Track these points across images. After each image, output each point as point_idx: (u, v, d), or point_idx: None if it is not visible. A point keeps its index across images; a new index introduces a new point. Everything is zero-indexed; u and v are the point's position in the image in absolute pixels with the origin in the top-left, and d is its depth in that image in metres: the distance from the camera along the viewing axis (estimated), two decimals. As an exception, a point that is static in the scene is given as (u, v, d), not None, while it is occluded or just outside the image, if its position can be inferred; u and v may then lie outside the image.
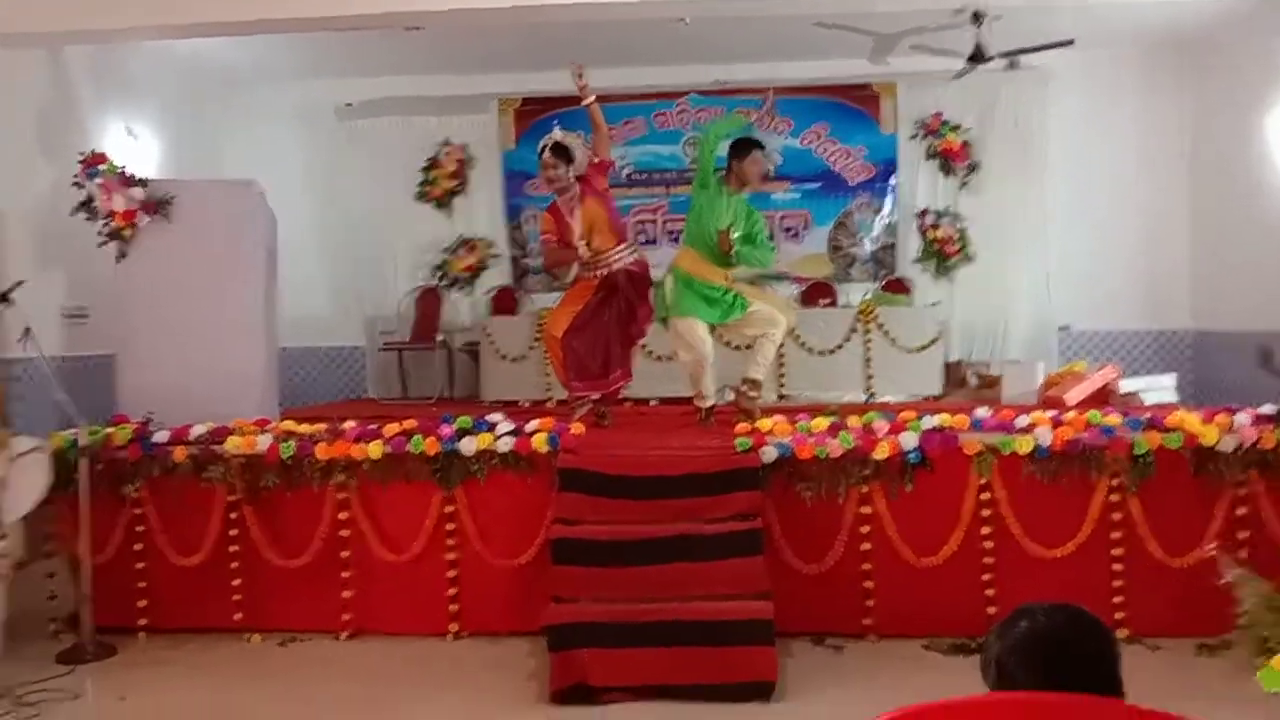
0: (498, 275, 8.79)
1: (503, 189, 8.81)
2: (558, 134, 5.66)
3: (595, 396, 5.52)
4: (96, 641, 4.57)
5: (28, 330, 4.64)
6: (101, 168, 5.73)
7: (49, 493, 4.68)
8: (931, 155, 8.46)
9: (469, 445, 4.68)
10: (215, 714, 3.93)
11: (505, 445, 4.69)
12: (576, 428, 4.89)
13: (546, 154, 5.49)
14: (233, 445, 4.79)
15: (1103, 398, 6.21)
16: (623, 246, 5.51)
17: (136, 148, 7.43)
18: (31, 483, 4.54)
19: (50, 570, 4.90)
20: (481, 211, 8.84)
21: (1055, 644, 1.58)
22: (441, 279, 8.71)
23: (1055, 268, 8.25)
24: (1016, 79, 8.27)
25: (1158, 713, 1.42)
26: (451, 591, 4.72)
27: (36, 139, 6.34)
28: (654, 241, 8.55)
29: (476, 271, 8.74)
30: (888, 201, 8.53)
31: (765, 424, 4.79)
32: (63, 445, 4.82)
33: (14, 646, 4.52)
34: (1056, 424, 4.58)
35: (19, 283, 4.72)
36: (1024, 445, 4.47)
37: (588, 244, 5.40)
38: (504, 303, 8.51)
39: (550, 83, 8.55)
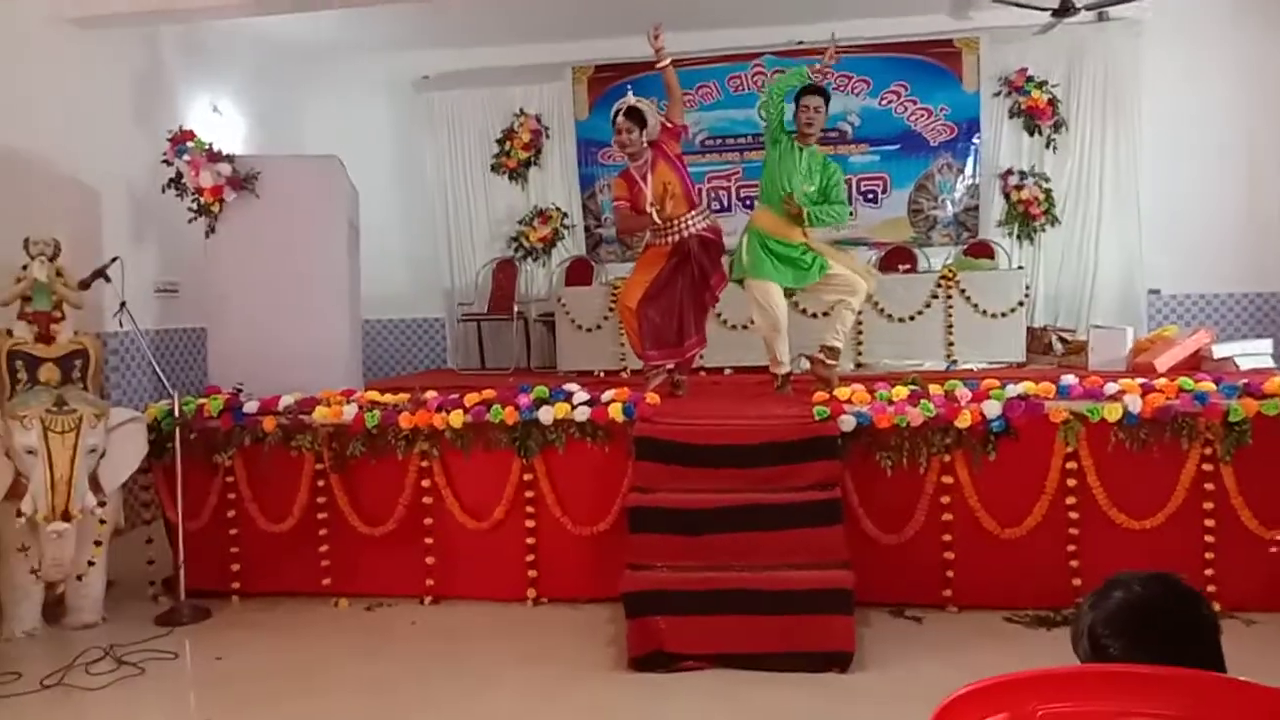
0: (572, 246, 8.83)
1: (576, 158, 8.82)
2: (631, 99, 5.60)
3: (670, 365, 5.51)
4: (192, 604, 4.77)
5: (123, 305, 4.81)
6: (189, 144, 5.87)
7: (145, 462, 4.89)
8: (1015, 113, 8.20)
9: (547, 414, 4.73)
10: (306, 673, 4.06)
11: (582, 415, 4.73)
12: (651, 398, 4.89)
13: (620, 119, 5.45)
14: (320, 415, 4.92)
15: (1194, 364, 6.00)
16: (695, 212, 5.45)
17: (222, 124, 7.63)
18: (129, 453, 4.74)
19: (148, 536, 5.12)
20: (556, 182, 8.87)
21: (1152, 615, 1.52)
22: (517, 250, 8.78)
23: (1146, 229, 7.95)
24: (1105, 31, 7.96)
25: (1248, 683, 1.37)
26: (530, 558, 4.79)
27: (128, 118, 6.55)
28: (728, 208, 8.48)
29: (551, 242, 8.78)
30: (970, 162, 8.30)
31: (843, 392, 4.74)
32: (158, 416, 5.01)
33: (116, 608, 4.76)
34: (1146, 391, 4.44)
35: (114, 259, 4.89)
36: (1112, 413, 4.34)
37: (660, 210, 5.35)
38: (578, 273, 8.54)
39: (624, 49, 8.53)
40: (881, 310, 6.92)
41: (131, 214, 6.40)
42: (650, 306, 5.44)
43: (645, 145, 5.43)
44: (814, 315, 6.63)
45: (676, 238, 5.43)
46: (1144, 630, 1.52)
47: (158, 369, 5.10)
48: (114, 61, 6.43)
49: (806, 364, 5.50)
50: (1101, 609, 1.57)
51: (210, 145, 5.93)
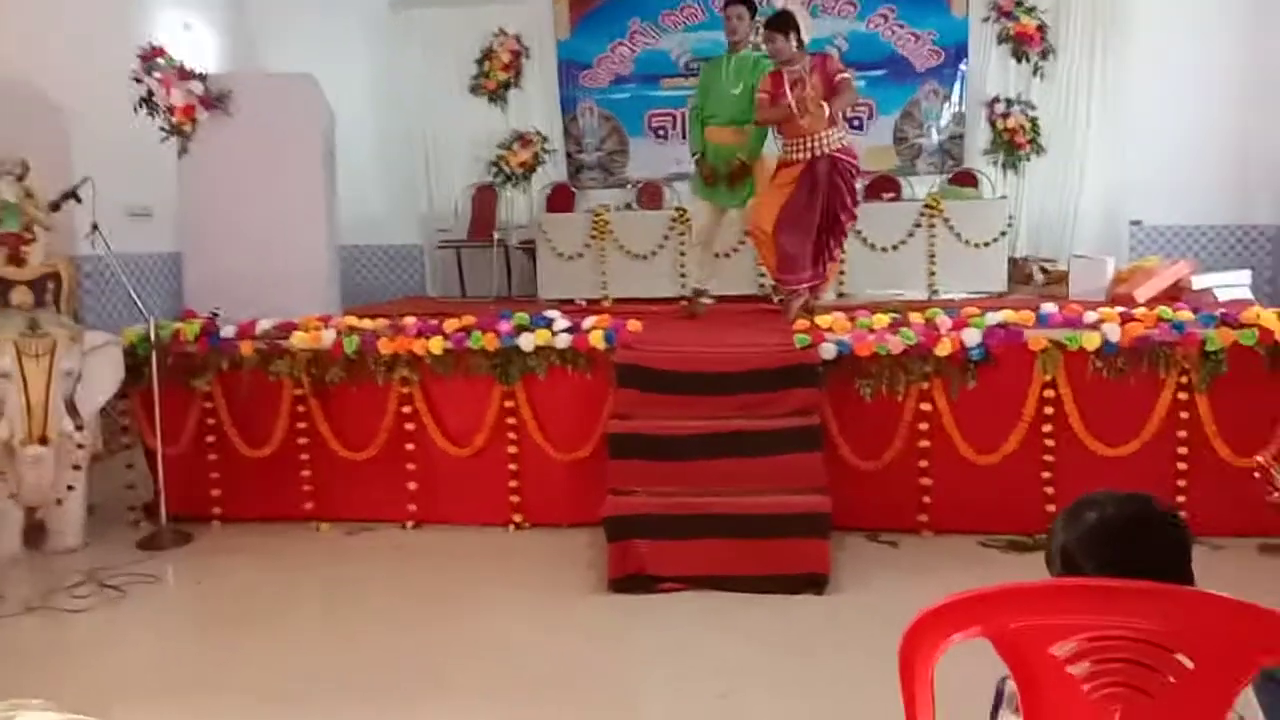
0: (553, 171, 8.70)
1: (558, 80, 8.65)
2: (779, 2, 5.65)
3: (806, 290, 5.49)
4: (173, 529, 4.77)
5: (95, 226, 4.71)
6: (160, 61, 5.71)
7: (122, 387, 4.85)
8: (1004, 39, 8.06)
9: (527, 341, 4.71)
10: (287, 597, 4.10)
11: (563, 341, 4.72)
12: (633, 324, 4.87)
13: (764, 29, 5.47)
14: (298, 340, 4.88)
15: (1174, 295, 6.01)
16: (832, 130, 5.33)
17: (193, 42, 7.41)
18: (105, 376, 4.70)
19: (127, 461, 5.10)
20: (536, 104, 8.70)
21: (1125, 535, 1.54)
22: (497, 175, 8.64)
23: (1131, 160, 7.90)
24: (1098, -43, 7.80)
25: (1220, 596, 1.39)
26: (513, 484, 4.81)
27: (96, 34, 6.34)
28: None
29: (532, 167, 8.62)
30: (956, 89, 8.21)
31: (824, 320, 4.74)
32: (134, 340, 4.95)
33: (97, 533, 4.77)
34: (1125, 320, 4.46)
35: (84, 179, 4.77)
36: (1091, 341, 4.37)
37: (801, 111, 5.20)
38: (560, 200, 8.44)
39: (608, -33, 8.33)
40: (865, 239, 6.89)
41: (101, 134, 6.21)
42: (784, 232, 5.38)
43: (797, 53, 5.29)
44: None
45: (809, 155, 5.31)
46: (1117, 550, 1.53)
47: (132, 292, 5.02)
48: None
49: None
50: (1074, 529, 1.58)
51: (181, 63, 5.77)
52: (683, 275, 6.89)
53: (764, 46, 5.49)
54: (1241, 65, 7.81)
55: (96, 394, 4.68)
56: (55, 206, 4.74)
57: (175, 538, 4.75)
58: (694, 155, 5.97)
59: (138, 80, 5.74)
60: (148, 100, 5.73)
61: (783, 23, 5.30)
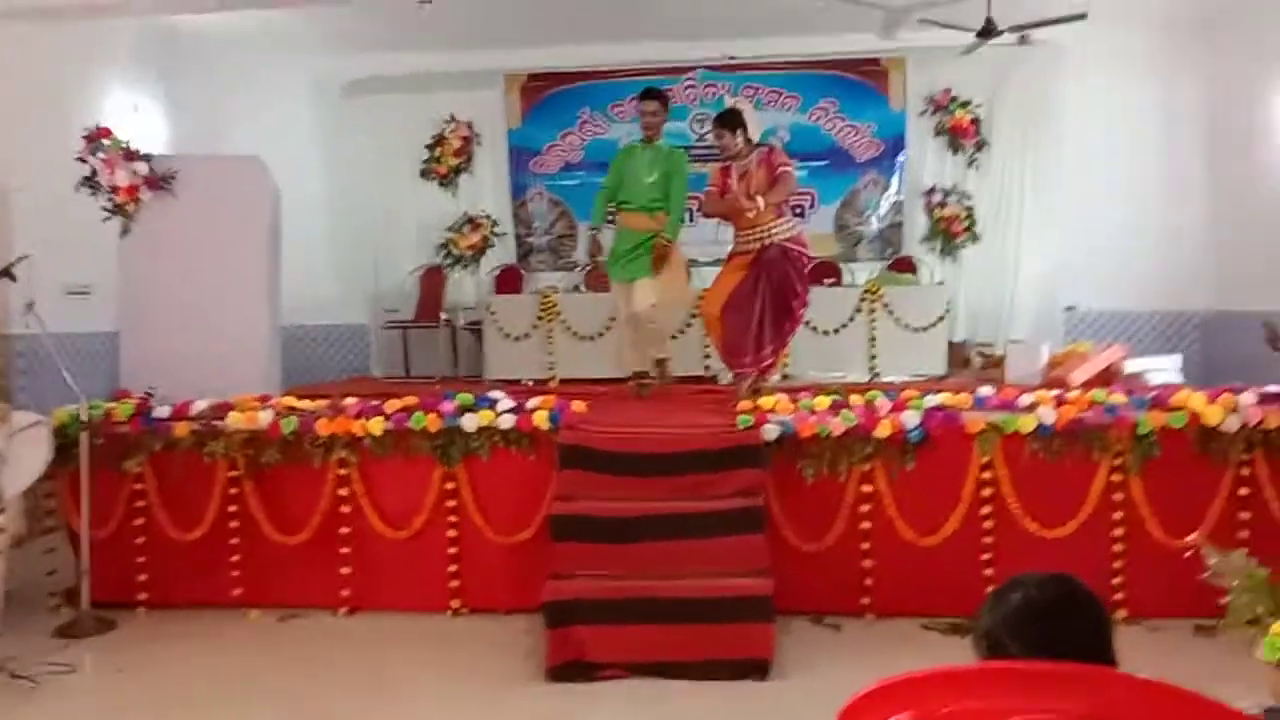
0: (502, 253, 8.77)
1: (508, 166, 8.77)
2: (728, 101, 5.76)
3: (753, 373, 5.50)
4: (95, 616, 4.59)
5: (30, 305, 4.64)
6: (105, 142, 5.72)
7: (50, 468, 4.70)
8: (940, 132, 8.39)
9: (471, 422, 4.67)
10: (213, 686, 3.93)
11: (507, 422, 4.68)
12: (578, 405, 4.86)
13: (713, 125, 5.64)
14: (234, 420, 4.79)
15: (1108, 378, 6.16)
16: (781, 222, 5.46)
17: (142, 123, 7.41)
18: (32, 458, 4.55)
19: (50, 546, 4.93)
20: (486, 189, 8.83)
21: (1048, 616, 1.56)
22: (446, 257, 8.68)
23: (1063, 248, 8.17)
24: (1028, 54, 8.17)
25: (1146, 680, 1.40)
26: (452, 568, 4.71)
27: (42, 115, 6.31)
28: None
29: (481, 250, 8.71)
30: (895, 179, 8.47)
31: (767, 401, 4.77)
32: (64, 420, 4.82)
33: (13, 621, 4.53)
34: (1060, 403, 4.55)
35: (21, 257, 4.72)
36: (1027, 424, 4.44)
37: (748, 205, 5.34)
38: (508, 281, 8.49)
39: (557, 58, 8.56)
40: (808, 323, 6.98)
41: (43, 213, 6.16)
42: (730, 316, 5.46)
43: (742, 147, 5.46)
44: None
45: (759, 246, 5.42)
46: (1041, 631, 1.55)
47: (65, 372, 4.91)
48: (28, 58, 6.19)
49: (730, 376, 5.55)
50: (1000, 610, 1.60)
51: (127, 144, 5.77)
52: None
53: (713, 143, 5.64)
54: (1165, 157, 8.18)
55: (22, 476, 4.52)
56: (-12, 284, 4.65)
57: (97, 625, 4.56)
58: (592, 228, 6.18)
59: (82, 160, 5.72)
60: (90, 180, 5.70)
61: (730, 120, 5.49)
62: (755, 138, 5.54)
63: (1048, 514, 4.41)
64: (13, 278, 4.70)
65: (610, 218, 6.15)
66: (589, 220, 6.29)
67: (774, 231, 5.41)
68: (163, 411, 4.89)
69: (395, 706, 3.70)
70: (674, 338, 7.05)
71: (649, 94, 5.97)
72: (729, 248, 5.74)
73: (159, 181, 5.75)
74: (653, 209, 5.86)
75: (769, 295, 5.42)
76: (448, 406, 4.74)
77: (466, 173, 8.80)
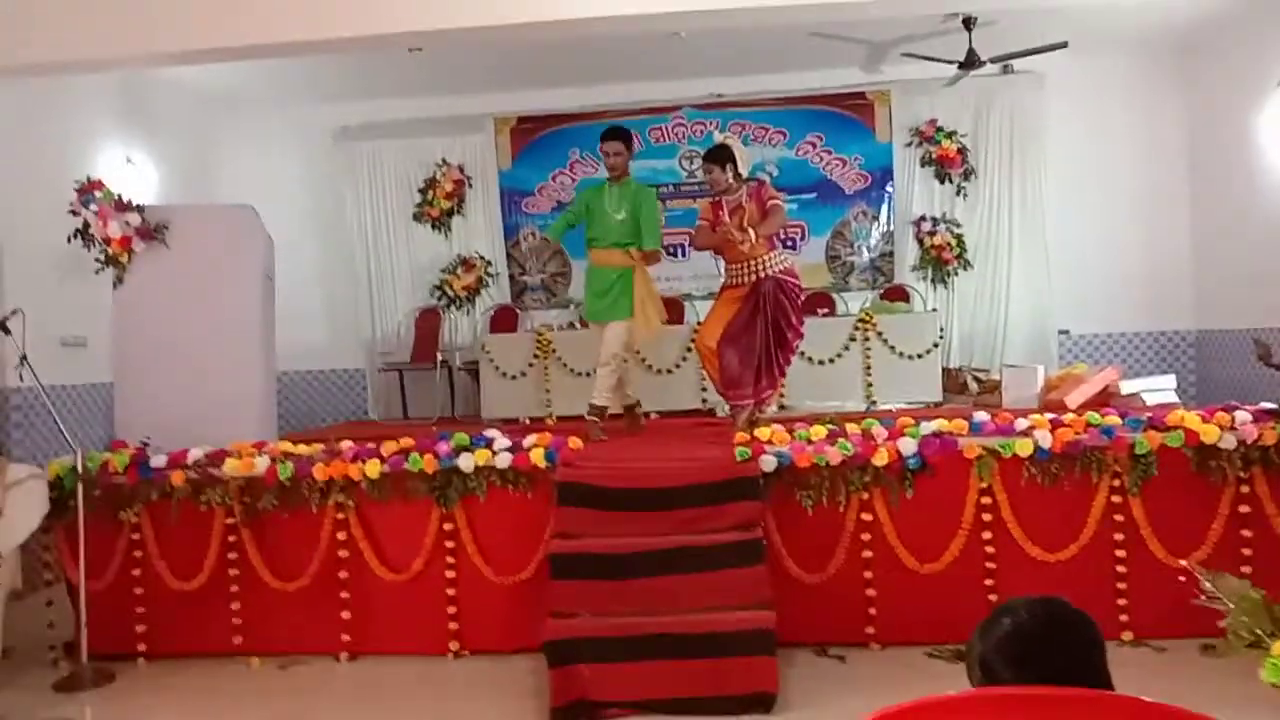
0: (496, 294, 8.81)
1: (500, 208, 8.83)
2: (717, 136, 5.85)
3: (750, 404, 5.51)
4: (95, 668, 4.54)
5: (24, 358, 4.63)
6: (97, 194, 5.74)
7: (47, 520, 4.69)
8: (927, 162, 8.46)
9: (467, 462, 4.66)
10: (214, 738, 3.90)
11: (503, 461, 4.67)
12: (574, 442, 4.86)
13: (703, 161, 5.68)
14: (230, 468, 4.78)
15: (1104, 400, 6.17)
16: (774, 254, 5.51)
17: (135, 175, 7.47)
18: (28, 511, 4.54)
19: (48, 599, 4.89)
20: (479, 231, 8.87)
21: (1038, 640, 1.56)
22: (440, 299, 8.72)
23: (1054, 272, 8.23)
24: (1010, 83, 8.28)
25: (1144, 701, 1.40)
26: (451, 610, 4.69)
27: (34, 167, 6.36)
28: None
29: (475, 290, 8.75)
30: (884, 210, 8.54)
31: (764, 433, 4.77)
32: (60, 472, 4.81)
33: (12, 676, 4.52)
34: (1056, 426, 4.55)
35: (14, 311, 4.72)
36: (1024, 448, 4.44)
37: (740, 238, 5.37)
38: (503, 321, 8.51)
39: (546, 101, 8.67)
40: (803, 353, 7.01)
41: (36, 266, 6.20)
42: (727, 349, 5.48)
43: (732, 183, 5.52)
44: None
45: (753, 279, 5.46)
46: (1031, 656, 1.55)
47: (59, 424, 4.90)
48: (21, 111, 6.26)
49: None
50: (991, 637, 1.60)
51: (119, 195, 5.80)
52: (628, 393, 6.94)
53: (703, 178, 5.68)
54: (1150, 178, 8.27)
55: (18, 530, 4.50)
56: (-17, 338, 4.66)
57: (96, 677, 4.51)
58: (544, 237, 6.37)
59: (74, 212, 5.75)
60: (83, 232, 5.72)
61: (719, 155, 5.54)
62: (744, 172, 5.60)
63: (1049, 537, 4.41)
64: (7, 331, 4.70)
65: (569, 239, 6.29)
66: (546, 232, 6.59)
67: (767, 264, 5.45)
68: (159, 461, 4.87)
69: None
70: (669, 372, 7.12)
71: (612, 134, 5.91)
72: (720, 280, 5.78)
73: (151, 232, 5.76)
74: (624, 245, 5.84)
75: (767, 328, 5.45)
76: (443, 447, 4.73)
77: (459, 215, 8.85)
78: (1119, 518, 4.41)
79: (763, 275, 5.44)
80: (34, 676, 4.57)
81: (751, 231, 5.36)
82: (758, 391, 5.52)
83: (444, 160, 8.78)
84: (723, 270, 5.76)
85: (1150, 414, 4.74)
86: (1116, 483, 4.43)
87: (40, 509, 4.61)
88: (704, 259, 7.71)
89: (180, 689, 4.46)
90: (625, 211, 5.80)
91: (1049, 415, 4.82)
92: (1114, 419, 4.62)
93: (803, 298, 5.75)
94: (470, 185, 8.84)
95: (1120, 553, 4.41)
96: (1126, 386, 6.39)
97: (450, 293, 8.72)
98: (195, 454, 4.89)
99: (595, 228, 5.96)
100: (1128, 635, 4.34)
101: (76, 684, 4.45)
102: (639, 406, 6.28)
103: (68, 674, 4.54)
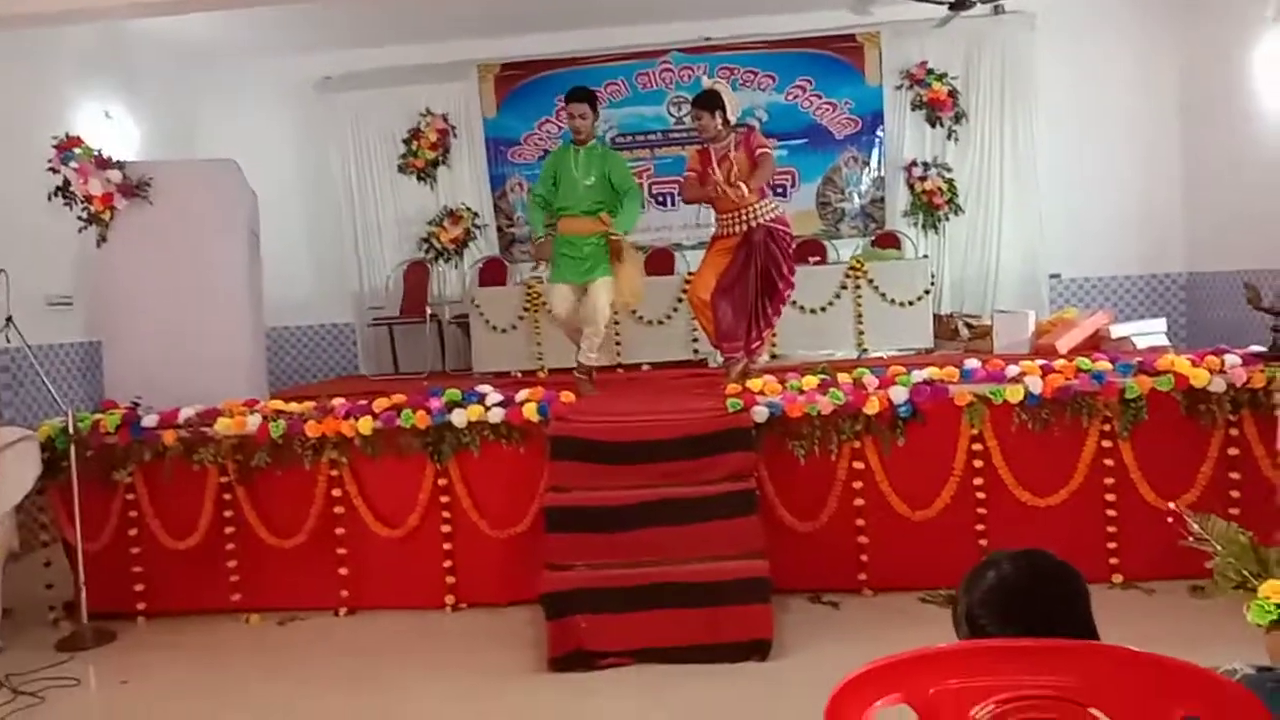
0: (484, 246, 8.74)
1: (486, 157, 8.73)
2: (705, 81, 5.73)
3: (743, 356, 5.49)
4: (95, 628, 4.58)
5: (9, 320, 4.61)
6: (77, 151, 5.66)
7: (40, 482, 4.68)
8: (918, 106, 8.38)
9: (460, 418, 4.66)
10: (217, 693, 3.94)
11: (496, 416, 4.67)
12: (566, 396, 4.86)
13: (692, 106, 5.53)
14: (222, 426, 4.77)
15: (1094, 344, 6.19)
16: (764, 202, 5.43)
17: (114, 130, 7.36)
18: (21, 472, 4.54)
19: (46, 559, 4.91)
20: (465, 181, 8.77)
21: (1022, 592, 1.58)
22: (428, 251, 8.66)
23: (1045, 216, 8.20)
24: (1001, 24, 8.17)
25: (1130, 650, 1.41)
26: (448, 564, 4.72)
27: (9, 124, 6.25)
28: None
29: (463, 243, 8.69)
30: (875, 155, 8.47)
31: (755, 384, 4.78)
32: (51, 434, 4.80)
33: (13, 636, 4.55)
34: (1046, 372, 4.56)
35: (-2, 272, 4.68)
36: (1014, 394, 4.46)
37: (727, 189, 5.29)
38: (492, 273, 8.46)
39: (530, 47, 8.53)
40: (794, 302, 6.99)
41: (19, 225, 6.12)
42: (721, 301, 5.43)
43: (722, 129, 5.40)
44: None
45: (744, 228, 5.40)
46: (1016, 608, 1.57)
47: (49, 385, 4.89)
48: (-3, 66, 6.14)
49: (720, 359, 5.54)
50: (976, 591, 1.62)
51: (99, 152, 5.71)
52: (617, 345, 6.94)
53: (691, 124, 5.56)
54: (1141, 119, 8.20)
55: (11, 491, 4.50)
56: (-34, 301, 4.62)
57: (97, 636, 4.55)
58: (535, 239, 5.90)
59: (54, 170, 5.67)
60: (64, 189, 5.65)
61: (709, 101, 5.41)
62: (734, 119, 5.51)
63: (1039, 483, 4.44)
64: (-10, 293, 4.66)
65: (550, 226, 5.80)
66: (532, 232, 6.03)
67: (758, 213, 5.40)
68: (150, 420, 4.86)
69: (401, 705, 3.72)
70: (660, 323, 7.11)
71: (577, 95, 5.60)
72: (711, 230, 5.73)
73: (134, 189, 5.69)
74: (594, 211, 5.58)
75: (760, 278, 5.42)
76: (436, 403, 4.73)
77: (444, 165, 8.75)
78: (1109, 462, 4.44)
79: (754, 224, 5.39)
80: (35, 636, 4.59)
81: (743, 185, 5.29)
82: (748, 342, 5.51)
83: (428, 110, 8.66)
84: (713, 220, 5.70)
85: (1140, 358, 4.76)
86: (1107, 427, 4.45)
87: (34, 470, 4.60)
88: (692, 208, 7.65)
89: (181, 646, 4.49)
90: (594, 177, 5.56)
91: (1039, 361, 4.83)
92: (1104, 364, 4.63)
93: (794, 247, 5.70)
94: (455, 135, 8.73)
95: (1110, 496, 4.45)
96: (1117, 330, 6.41)
97: (438, 245, 8.65)
98: (187, 413, 4.87)
99: (564, 196, 5.65)
100: (1118, 578, 4.40)
101: (78, 643, 4.48)
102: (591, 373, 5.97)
103: (69, 633, 4.57)
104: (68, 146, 5.64)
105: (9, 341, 4.69)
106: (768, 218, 5.42)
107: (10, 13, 5.63)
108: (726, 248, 5.49)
